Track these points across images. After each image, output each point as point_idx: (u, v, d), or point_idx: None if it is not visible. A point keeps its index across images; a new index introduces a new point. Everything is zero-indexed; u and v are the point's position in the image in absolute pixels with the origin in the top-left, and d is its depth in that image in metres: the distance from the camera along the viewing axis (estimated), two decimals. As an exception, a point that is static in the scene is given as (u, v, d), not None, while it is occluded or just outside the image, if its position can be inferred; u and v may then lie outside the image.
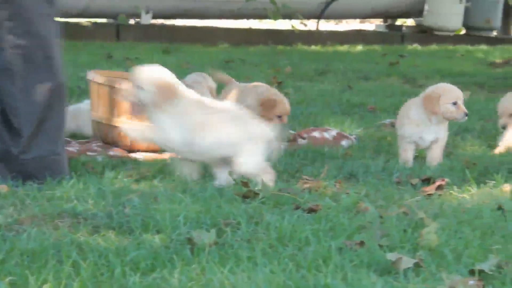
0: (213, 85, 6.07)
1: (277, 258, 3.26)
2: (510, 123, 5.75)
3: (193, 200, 4.03)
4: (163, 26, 14.52)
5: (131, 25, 13.29)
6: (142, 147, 5.28)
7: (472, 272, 3.16)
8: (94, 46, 11.46)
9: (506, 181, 4.68)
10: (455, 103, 5.11)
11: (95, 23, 13.24)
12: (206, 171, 4.73)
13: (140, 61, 9.81)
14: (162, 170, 4.68)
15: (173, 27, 14.43)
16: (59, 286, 2.92)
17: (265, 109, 5.99)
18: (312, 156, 5.26)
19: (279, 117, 5.87)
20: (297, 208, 3.98)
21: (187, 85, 5.31)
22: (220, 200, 4.04)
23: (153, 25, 13.71)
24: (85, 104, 5.84)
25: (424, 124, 5.18)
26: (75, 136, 5.69)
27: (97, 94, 5.37)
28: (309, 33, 14.42)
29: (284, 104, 5.93)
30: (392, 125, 6.62)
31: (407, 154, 5.22)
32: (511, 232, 3.67)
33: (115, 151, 5.23)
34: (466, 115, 5.14)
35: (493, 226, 3.76)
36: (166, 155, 5.15)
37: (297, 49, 13.04)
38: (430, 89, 5.20)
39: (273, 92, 6.09)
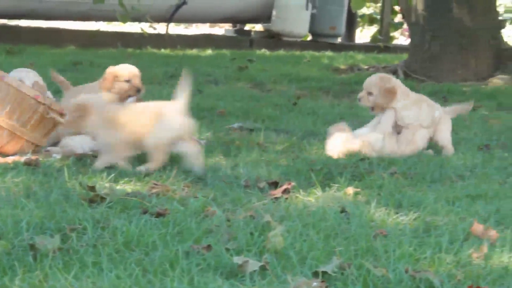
0: (40, 81, 5.82)
1: (123, 263, 3.23)
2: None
3: (37, 205, 3.93)
4: (6, 26, 14.10)
5: (-28, 25, 12.83)
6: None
7: (316, 274, 3.23)
8: None
9: (349, 185, 4.81)
10: None
11: None
12: (51, 176, 4.63)
13: (-17, 61, 9.51)
14: (4, 174, 4.53)
15: (17, 27, 14.04)
16: None
17: (106, 80, 5.89)
18: (161, 160, 5.23)
19: (128, 81, 5.81)
20: (145, 212, 3.95)
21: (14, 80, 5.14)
22: (66, 204, 3.96)
23: (-4, 25, 13.30)
24: None
25: None
26: None
27: None
28: (159, 36, 14.36)
29: (127, 69, 5.88)
30: (241, 129, 6.69)
31: None
32: (353, 234, 3.78)
33: (-45, 155, 5.03)
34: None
35: (337, 228, 3.86)
36: (9, 159, 5.00)
37: (147, 52, 12.96)
38: None
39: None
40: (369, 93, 5.88)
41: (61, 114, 5.20)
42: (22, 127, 5.13)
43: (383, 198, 4.53)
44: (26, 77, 5.65)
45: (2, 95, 5.06)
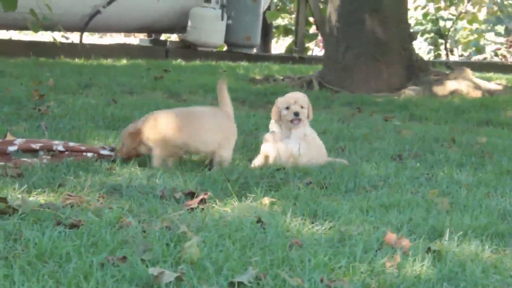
0: None
1: (36, 276, 3.17)
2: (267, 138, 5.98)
3: None
4: None
5: None
6: None
7: (231, 284, 3.23)
8: None
9: (265, 195, 4.83)
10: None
11: None
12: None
13: None
14: None
15: None
16: None
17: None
18: (76, 171, 5.17)
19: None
20: (58, 223, 3.89)
21: None
22: (-24, 217, 3.87)
23: None
24: None
25: None
26: None
27: None
28: (72, 46, 14.20)
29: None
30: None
31: None
32: (269, 244, 3.79)
33: None
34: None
35: (253, 238, 3.87)
36: None
37: (60, 62, 12.78)
38: None
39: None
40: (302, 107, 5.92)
41: None
42: None
43: (298, 208, 4.56)
44: None
45: None
